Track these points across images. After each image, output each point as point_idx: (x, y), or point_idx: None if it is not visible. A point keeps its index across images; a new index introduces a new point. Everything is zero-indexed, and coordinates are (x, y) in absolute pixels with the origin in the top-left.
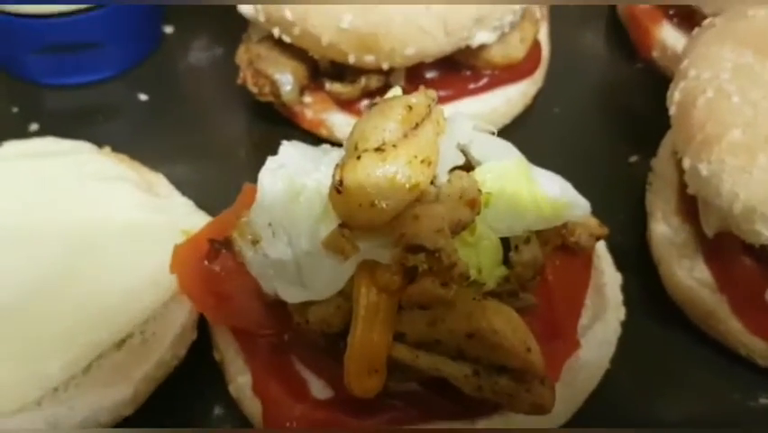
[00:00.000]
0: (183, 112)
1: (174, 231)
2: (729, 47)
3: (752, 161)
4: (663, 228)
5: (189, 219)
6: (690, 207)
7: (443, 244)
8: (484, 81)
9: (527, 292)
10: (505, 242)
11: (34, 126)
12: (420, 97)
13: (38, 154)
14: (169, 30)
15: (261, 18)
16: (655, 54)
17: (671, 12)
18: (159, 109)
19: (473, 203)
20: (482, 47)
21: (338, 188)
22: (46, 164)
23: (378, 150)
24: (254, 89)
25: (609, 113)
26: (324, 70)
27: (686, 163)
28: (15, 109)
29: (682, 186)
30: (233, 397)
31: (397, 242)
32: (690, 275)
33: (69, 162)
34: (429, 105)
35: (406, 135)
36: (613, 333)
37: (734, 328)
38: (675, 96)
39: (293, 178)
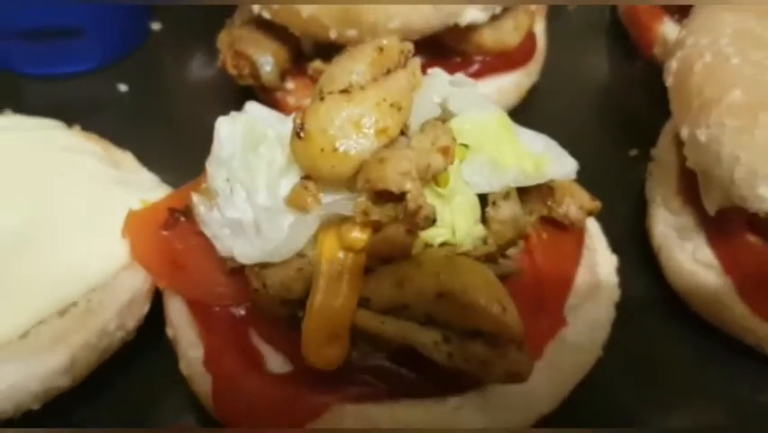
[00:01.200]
0: (162, 102)
1: (134, 203)
2: (730, 12)
3: (753, 120)
4: (663, 213)
5: (152, 193)
6: (690, 188)
7: (408, 187)
8: (475, 68)
9: (508, 259)
10: (483, 201)
11: (8, 112)
12: (392, 41)
13: (2, 128)
14: (156, 26)
15: None
16: (657, 51)
17: (673, 7)
18: (138, 100)
19: (446, 150)
20: (473, 29)
21: (299, 132)
22: (9, 137)
23: (343, 91)
24: (234, 71)
25: (610, 109)
26: (307, 53)
27: (684, 133)
28: None
29: (683, 168)
30: (184, 375)
31: (362, 189)
32: (692, 258)
33: (34, 136)
34: (404, 54)
35: (375, 79)
36: (605, 315)
37: (740, 314)
38: (672, 66)
39: (253, 125)
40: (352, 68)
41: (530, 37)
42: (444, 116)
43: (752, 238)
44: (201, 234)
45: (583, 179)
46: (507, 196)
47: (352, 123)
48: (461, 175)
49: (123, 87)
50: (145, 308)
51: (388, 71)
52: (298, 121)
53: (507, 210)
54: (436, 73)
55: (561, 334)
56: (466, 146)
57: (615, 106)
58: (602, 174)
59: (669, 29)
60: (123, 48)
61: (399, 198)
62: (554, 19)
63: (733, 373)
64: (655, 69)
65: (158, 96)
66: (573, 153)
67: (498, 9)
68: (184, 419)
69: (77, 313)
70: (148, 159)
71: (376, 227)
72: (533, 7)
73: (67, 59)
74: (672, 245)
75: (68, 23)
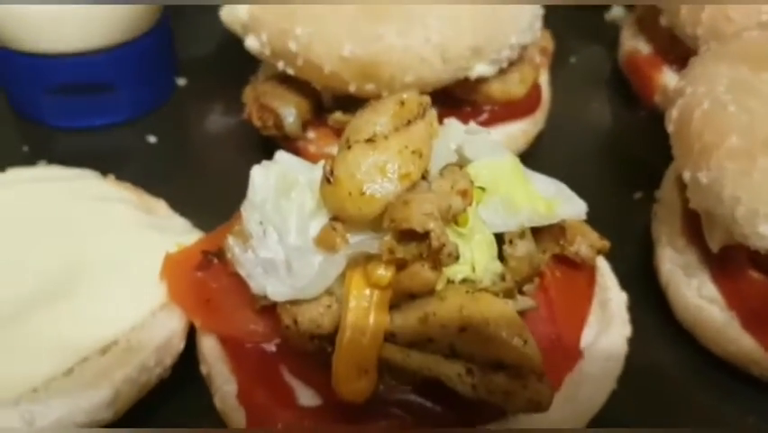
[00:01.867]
0: (190, 152)
1: (169, 245)
2: (725, 64)
3: (752, 163)
4: (669, 251)
5: (186, 237)
6: (694, 228)
7: (432, 227)
8: (484, 117)
9: (525, 295)
10: (499, 241)
11: (42, 163)
12: (412, 95)
13: (40, 179)
14: (182, 82)
15: (267, 51)
16: (657, 99)
17: (671, 57)
18: (167, 150)
19: (465, 193)
20: (482, 81)
21: (329, 177)
22: (47, 186)
23: (369, 141)
24: (258, 123)
25: (614, 155)
26: (327, 105)
27: (686, 176)
28: (26, 148)
29: (686, 208)
30: (218, 409)
31: (388, 229)
32: (698, 294)
33: (71, 186)
34: (422, 106)
35: (397, 129)
36: (618, 348)
37: (745, 347)
38: (673, 114)
39: (285, 173)
40: (376, 120)
41: (536, 88)
42: (461, 162)
43: (754, 274)
44: (233, 274)
45: (591, 220)
46: (522, 235)
47: (377, 168)
48: (479, 216)
49: (152, 139)
50: (181, 346)
51: (409, 122)
52: (328, 167)
53: (523, 248)
54: (452, 123)
55: (578, 367)
56: (483, 189)
57: (618, 152)
58: (609, 216)
59: (669, 78)
60: (150, 102)
61: (423, 237)
62: (558, 69)
63: (742, 403)
64: (657, 117)
65: (186, 147)
66: (580, 196)
67: (504, 63)
68: None
69: (118, 351)
70: (179, 206)
71: (400, 265)
72: (537, 60)
73: (97, 112)
74: (678, 282)
75: (99, 79)
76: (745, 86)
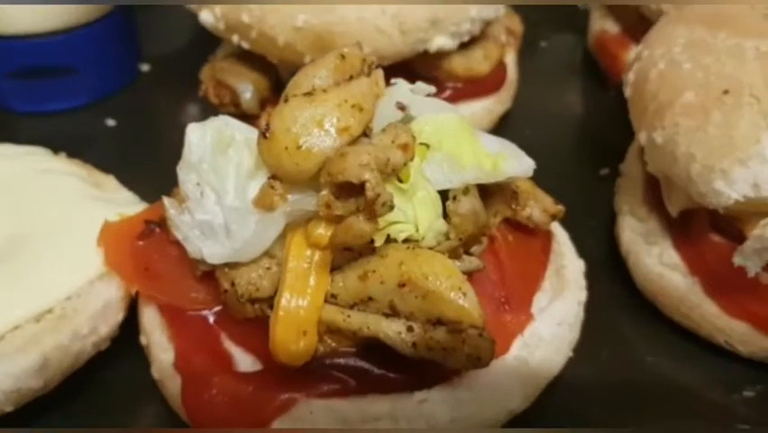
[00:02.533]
0: (148, 135)
1: (111, 216)
2: (682, 26)
3: (706, 119)
4: (630, 220)
5: (131, 208)
6: (655, 196)
7: (368, 177)
8: (447, 94)
9: (472, 255)
10: (444, 199)
11: None
12: (354, 50)
13: None
14: (145, 68)
15: (221, 25)
16: (625, 77)
17: (639, 36)
18: (125, 133)
19: (405, 147)
20: (443, 56)
21: (265, 132)
22: None
23: (306, 94)
24: (215, 100)
25: (581, 135)
26: (286, 81)
27: (642, 138)
28: None
29: (647, 177)
30: (155, 380)
31: (325, 183)
32: (659, 262)
33: (19, 160)
34: (366, 63)
35: (338, 84)
36: (573, 315)
37: (709, 313)
38: (630, 77)
39: (222, 130)
40: (314, 73)
41: (501, 66)
42: (406, 121)
43: (714, 237)
44: (176, 243)
45: (556, 196)
46: (466, 191)
47: (314, 122)
48: (423, 173)
49: (111, 122)
50: (119, 317)
51: (351, 78)
52: (264, 122)
53: (467, 204)
54: (398, 82)
55: (528, 330)
56: (427, 145)
57: (586, 131)
58: (574, 192)
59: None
60: (112, 85)
61: (360, 190)
62: (528, 54)
63: (705, 372)
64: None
65: (144, 131)
66: (546, 174)
67: (466, 37)
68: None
69: (52, 319)
70: (130, 184)
71: (340, 223)
72: (503, 39)
73: (57, 96)
74: (639, 250)
75: (59, 62)
76: (701, 44)
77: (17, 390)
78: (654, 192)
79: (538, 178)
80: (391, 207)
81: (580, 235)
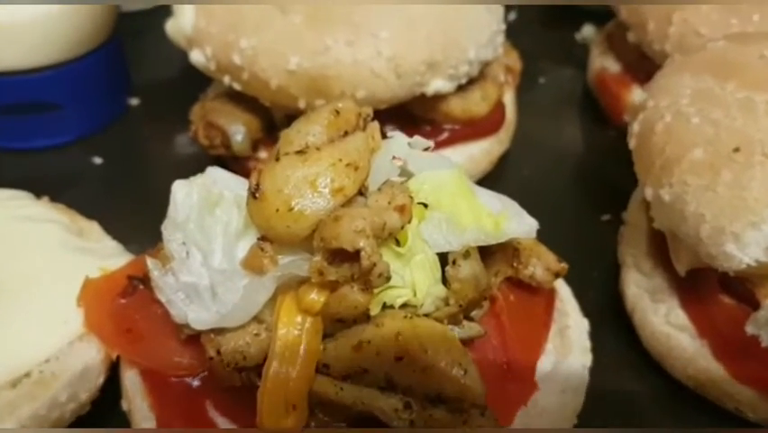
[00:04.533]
0: (135, 175)
1: (93, 270)
2: (689, 74)
3: (716, 177)
4: (635, 275)
5: (114, 260)
6: (661, 250)
7: (362, 245)
8: (444, 136)
9: (473, 322)
10: (444, 262)
11: None
12: (349, 104)
13: None
14: (134, 102)
15: (212, 66)
16: (626, 118)
17: (640, 75)
18: (111, 172)
19: (402, 208)
20: (441, 99)
21: (254, 193)
22: None
23: (299, 152)
24: (205, 142)
25: (582, 175)
26: (280, 123)
27: (649, 194)
28: None
29: (653, 230)
30: None
31: (317, 248)
32: (665, 321)
33: (2, 206)
34: (361, 117)
35: (332, 141)
36: (578, 379)
37: (718, 377)
38: (634, 128)
39: (209, 188)
40: (308, 129)
41: (499, 107)
42: (404, 177)
43: (724, 299)
44: (159, 302)
45: (556, 243)
46: (466, 255)
47: (307, 182)
48: (421, 234)
49: (97, 160)
50: (99, 380)
51: (346, 133)
52: (254, 182)
53: (468, 269)
54: (395, 135)
55: (532, 400)
56: (425, 205)
57: (587, 173)
58: (575, 239)
59: (638, 96)
60: (99, 121)
61: (355, 257)
62: (526, 90)
63: None
64: (626, 136)
65: (132, 169)
66: (545, 219)
67: (464, 80)
68: None
69: (29, 384)
70: (118, 229)
71: (334, 289)
72: (501, 79)
73: (42, 133)
74: (645, 308)
75: (45, 98)
76: (709, 96)
77: None
78: (659, 247)
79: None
80: (388, 279)
81: (582, 287)
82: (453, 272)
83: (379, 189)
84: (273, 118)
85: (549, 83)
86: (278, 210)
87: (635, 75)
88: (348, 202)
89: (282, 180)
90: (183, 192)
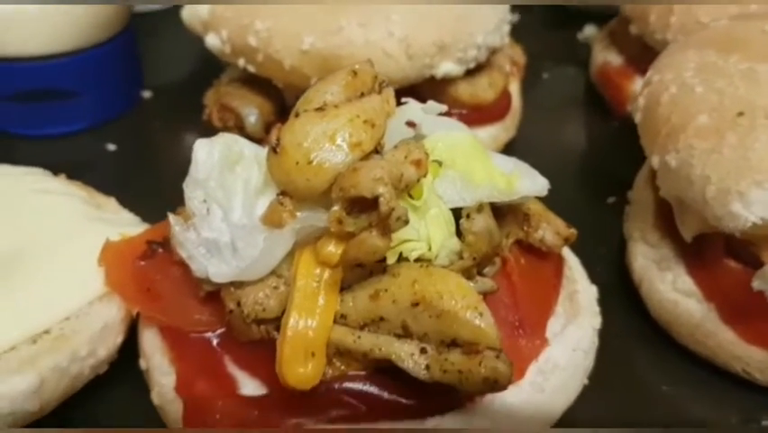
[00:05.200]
0: (149, 159)
1: (113, 236)
2: (692, 50)
3: (721, 140)
4: (642, 247)
5: (132, 229)
6: (667, 222)
7: (381, 191)
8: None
9: (485, 277)
10: (457, 218)
11: None
12: (365, 66)
13: None
14: (147, 95)
15: (227, 49)
16: (630, 108)
17: (643, 66)
18: (126, 157)
19: (418, 162)
20: (450, 83)
21: (275, 147)
22: None
23: (318, 109)
24: (218, 124)
25: (587, 164)
26: (292, 106)
27: (655, 162)
28: None
29: (658, 203)
30: (156, 405)
31: (336, 198)
32: (672, 288)
33: (18, 180)
34: (377, 81)
35: (349, 100)
36: (588, 340)
37: (725, 340)
38: (640, 102)
39: (230, 146)
40: (326, 89)
41: (505, 94)
42: (418, 139)
43: (730, 263)
44: (178, 264)
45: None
46: (480, 209)
47: (326, 137)
48: (435, 191)
49: (111, 147)
50: (118, 339)
51: (362, 95)
52: (274, 137)
53: (481, 222)
54: (409, 101)
55: (543, 355)
56: (439, 163)
57: (591, 161)
58: (581, 219)
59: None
60: (113, 110)
61: (373, 206)
62: (531, 84)
63: (720, 401)
64: (629, 126)
65: (145, 155)
66: (552, 201)
67: (472, 64)
68: None
69: (49, 340)
70: (131, 206)
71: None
72: (507, 68)
73: (57, 120)
74: (652, 277)
75: (61, 85)
76: (712, 68)
77: (12, 412)
78: (666, 218)
79: (545, 204)
80: (406, 222)
81: (590, 263)
82: (468, 225)
83: (396, 147)
84: (285, 102)
85: (552, 79)
86: (297, 163)
87: (638, 67)
88: (365, 158)
89: (302, 135)
90: (205, 151)
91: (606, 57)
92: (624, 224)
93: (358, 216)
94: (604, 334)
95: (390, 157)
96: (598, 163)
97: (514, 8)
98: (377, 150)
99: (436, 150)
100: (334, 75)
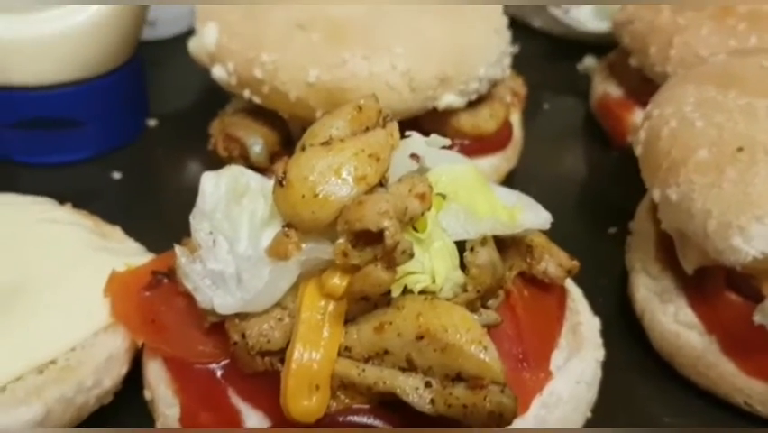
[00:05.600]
0: (155, 188)
1: (118, 266)
2: (692, 86)
3: (721, 175)
4: (644, 278)
5: (137, 259)
6: (668, 254)
7: (386, 225)
8: (455, 150)
9: (489, 309)
10: (461, 251)
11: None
12: (370, 101)
13: None
14: (152, 123)
15: (233, 81)
16: (630, 139)
17: (643, 99)
18: (131, 186)
19: (423, 196)
20: (451, 115)
21: (281, 181)
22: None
23: (324, 144)
24: (224, 153)
25: (587, 195)
26: (297, 137)
27: (656, 195)
28: None
29: (660, 235)
30: None
31: (342, 232)
32: (674, 320)
33: (23, 209)
34: (382, 115)
35: (354, 134)
36: (592, 373)
37: (727, 372)
38: (641, 136)
39: (237, 178)
40: (331, 123)
41: (506, 125)
42: (421, 173)
43: (731, 296)
44: (183, 295)
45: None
46: (484, 241)
47: (332, 170)
48: (439, 224)
49: (116, 175)
50: (123, 370)
51: (367, 129)
52: (280, 171)
53: (485, 255)
54: (413, 134)
55: (547, 389)
56: (443, 196)
57: (592, 191)
58: (583, 250)
59: (640, 118)
60: (118, 139)
61: (378, 239)
62: (531, 115)
63: None
64: (629, 157)
65: (151, 184)
66: (553, 232)
67: (473, 96)
68: None
69: (55, 370)
70: (136, 235)
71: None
72: (508, 99)
73: (62, 148)
74: (654, 309)
75: (66, 114)
76: (711, 103)
77: None
78: (667, 250)
79: (546, 235)
80: (411, 256)
81: (592, 294)
82: (472, 258)
83: (400, 180)
84: (290, 132)
85: (552, 109)
86: (303, 196)
87: (638, 98)
88: (370, 191)
89: (308, 168)
90: (212, 183)
91: (606, 88)
92: (626, 255)
93: (363, 249)
94: (607, 366)
95: (395, 190)
96: (599, 193)
97: (514, 38)
98: (381, 183)
99: (440, 183)
100: (340, 110)
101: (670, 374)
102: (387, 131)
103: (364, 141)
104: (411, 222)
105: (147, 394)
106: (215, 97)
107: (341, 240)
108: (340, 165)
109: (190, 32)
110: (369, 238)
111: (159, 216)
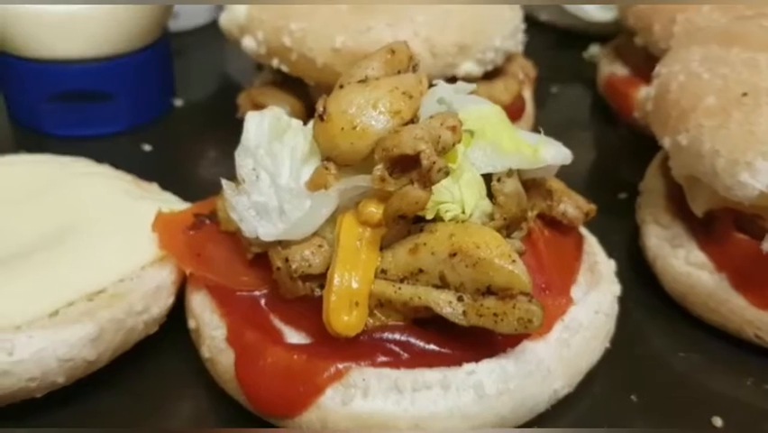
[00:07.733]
0: (185, 159)
1: (162, 209)
2: (696, 47)
3: (728, 118)
4: (655, 228)
5: (177, 206)
6: (678, 205)
7: (423, 147)
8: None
9: (514, 239)
10: (488, 184)
11: None
12: (402, 45)
13: (39, 161)
14: (178, 103)
15: (263, 50)
16: (637, 114)
17: (648, 76)
18: (162, 156)
19: (454, 128)
20: None
21: (321, 115)
22: (45, 165)
23: (360, 81)
24: None
25: (597, 167)
26: None
27: (667, 143)
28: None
29: (670, 188)
30: (205, 359)
31: (379, 159)
32: (686, 262)
33: (67, 165)
34: (413, 61)
35: (388, 75)
36: (609, 306)
37: (737, 306)
38: (651, 93)
39: (279, 117)
40: (367, 64)
41: (520, 99)
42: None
43: (739, 235)
44: (225, 234)
45: None
46: (510, 173)
47: (369, 105)
48: (468, 157)
49: (147, 147)
50: (170, 300)
51: (399, 72)
52: (320, 107)
53: (511, 185)
54: (439, 82)
55: (569, 314)
56: (471, 134)
57: (601, 164)
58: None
59: (645, 94)
60: (148, 114)
61: (414, 165)
62: (540, 97)
63: (734, 366)
64: (636, 133)
65: (181, 154)
66: None
67: (489, 66)
68: (200, 413)
69: (105, 297)
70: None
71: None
72: (520, 76)
73: (94, 121)
74: (665, 254)
75: (99, 87)
76: (716, 58)
77: (71, 359)
78: (677, 201)
79: None
80: (447, 173)
81: (605, 247)
82: (499, 187)
83: (431, 117)
84: (313, 102)
85: (561, 94)
86: (342, 129)
87: (643, 76)
88: (404, 124)
89: (346, 103)
90: (255, 121)
91: (612, 69)
92: (636, 212)
93: (399, 177)
94: (621, 307)
95: (427, 124)
96: (608, 167)
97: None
98: (413, 121)
99: (468, 121)
100: (374, 52)
101: (681, 314)
102: (417, 75)
103: (398, 80)
104: (443, 151)
105: (191, 323)
106: (235, 83)
107: (378, 166)
108: (377, 100)
109: (211, 24)
110: (404, 165)
111: (188, 184)
